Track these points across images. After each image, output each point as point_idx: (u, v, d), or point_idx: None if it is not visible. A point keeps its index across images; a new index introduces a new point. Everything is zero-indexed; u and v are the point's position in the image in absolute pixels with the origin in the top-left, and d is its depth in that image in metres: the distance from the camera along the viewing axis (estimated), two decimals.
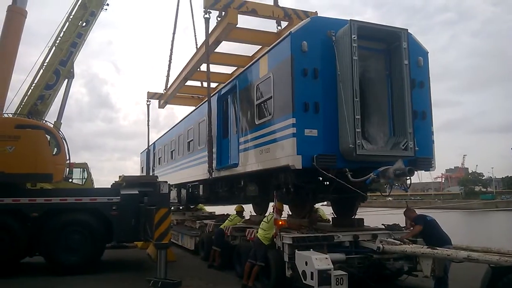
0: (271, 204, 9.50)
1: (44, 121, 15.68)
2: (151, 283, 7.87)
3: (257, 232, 8.97)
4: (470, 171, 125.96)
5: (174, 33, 20.75)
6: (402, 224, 9.11)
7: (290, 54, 8.33)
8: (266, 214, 9.08)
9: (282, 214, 9.20)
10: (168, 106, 23.53)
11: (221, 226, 11.38)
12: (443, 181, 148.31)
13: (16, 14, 12.02)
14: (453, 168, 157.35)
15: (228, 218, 11.58)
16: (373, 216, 15.18)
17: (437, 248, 6.99)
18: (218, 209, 17.95)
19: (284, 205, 9.51)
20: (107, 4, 20.30)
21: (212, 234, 12.00)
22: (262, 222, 8.95)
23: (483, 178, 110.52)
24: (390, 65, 8.97)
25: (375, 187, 10.18)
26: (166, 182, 9.02)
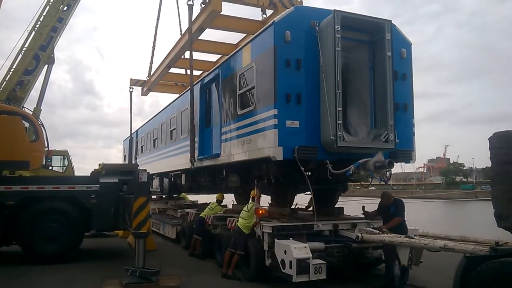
0: (252, 193, 9.48)
1: (22, 108, 15.35)
2: (129, 272, 7.80)
3: (237, 221, 8.97)
4: (451, 162, 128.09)
5: (158, 19, 20.43)
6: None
7: (273, 44, 8.23)
8: (247, 203, 9.03)
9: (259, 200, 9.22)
10: (153, 93, 23.32)
11: (201, 215, 11.36)
12: (425, 171, 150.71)
13: None
14: (435, 158, 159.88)
15: (208, 207, 11.57)
16: (355, 205, 15.37)
17: (415, 237, 7.10)
18: (201, 198, 17.90)
19: (263, 195, 9.53)
20: None
21: (193, 223, 11.97)
22: (242, 211, 8.95)
23: (464, 168, 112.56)
24: (374, 56, 8.95)
25: (356, 178, 10.27)
26: (145, 170, 8.91)
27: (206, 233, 11.04)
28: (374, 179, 8.95)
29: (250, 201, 9.10)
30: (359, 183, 10.98)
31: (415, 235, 8.01)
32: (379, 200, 8.94)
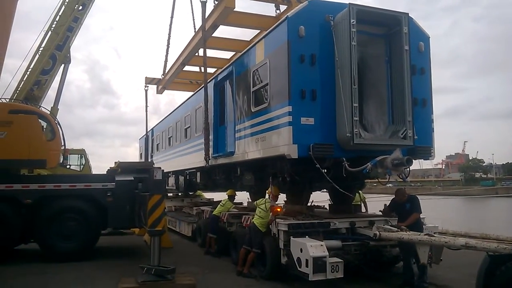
0: (268, 191, 9.40)
1: (39, 107, 15.52)
2: (144, 270, 7.79)
3: (253, 218, 8.88)
4: (470, 158, 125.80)
5: (172, 17, 20.43)
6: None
7: (286, 39, 8.11)
8: (261, 201, 8.93)
9: (277, 199, 9.10)
10: (169, 92, 23.38)
11: (214, 213, 11.32)
12: (443, 167, 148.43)
13: None
14: (453, 154, 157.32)
15: (220, 203, 11.54)
16: (372, 202, 15.15)
17: (434, 235, 6.91)
18: (217, 196, 17.89)
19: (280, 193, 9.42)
20: None
21: (207, 220, 11.95)
22: (259, 208, 8.82)
23: (484, 164, 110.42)
24: (390, 50, 8.74)
25: (373, 175, 10.09)
26: (160, 168, 8.90)
27: (221, 231, 10.99)
28: (392, 176, 8.80)
29: (266, 198, 9.00)
30: (377, 180, 10.76)
31: (434, 233, 7.83)
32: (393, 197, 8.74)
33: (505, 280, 4.62)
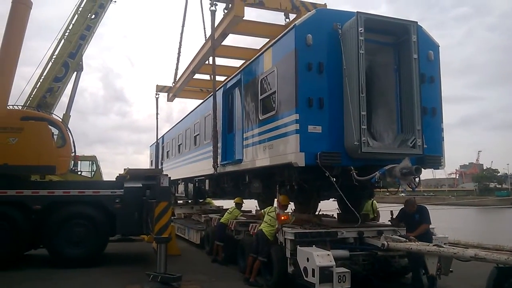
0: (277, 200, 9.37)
1: (51, 114, 15.74)
2: (150, 277, 7.80)
3: (260, 225, 8.84)
4: (485, 167, 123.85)
5: (183, 26, 20.57)
6: None
7: (294, 47, 8.11)
8: (271, 209, 8.89)
9: (287, 208, 9.05)
10: (181, 99, 23.54)
11: (221, 220, 11.31)
12: (457, 177, 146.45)
13: (21, 5, 11.97)
14: (467, 164, 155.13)
15: (228, 211, 11.53)
16: (383, 211, 14.98)
17: (444, 246, 6.80)
18: (227, 203, 17.88)
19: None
20: None
21: (216, 228, 11.93)
22: (269, 217, 8.77)
23: (498, 174, 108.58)
24: (399, 59, 8.70)
25: (384, 184, 9.98)
26: (167, 175, 8.92)
27: (228, 239, 10.95)
28: (401, 186, 8.69)
29: (276, 206, 8.95)
30: (386, 190, 10.64)
31: (444, 243, 7.70)
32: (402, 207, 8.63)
33: None
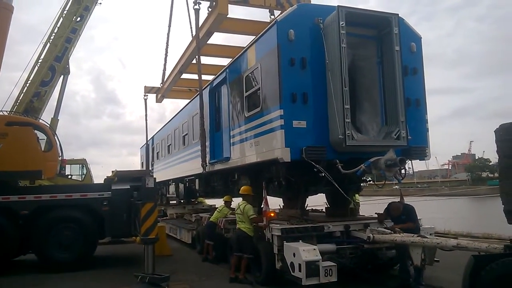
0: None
1: (38, 118, 15.62)
2: (139, 279, 7.78)
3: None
4: (477, 157, 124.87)
5: (169, 26, 20.42)
6: None
7: (276, 43, 8.10)
8: (238, 207, 9.04)
9: (251, 198, 9.31)
10: (174, 100, 23.40)
11: (211, 219, 11.33)
12: (450, 168, 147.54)
13: (3, 10, 11.86)
14: (459, 154, 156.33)
15: (217, 210, 11.55)
16: (374, 205, 15.05)
17: (427, 236, 6.84)
18: (219, 202, 17.86)
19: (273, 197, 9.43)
20: None
21: (205, 227, 11.93)
22: (237, 214, 8.93)
23: (491, 164, 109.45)
24: (381, 52, 8.72)
25: (371, 178, 10.02)
26: (152, 176, 8.90)
27: (218, 237, 10.95)
28: (387, 178, 8.74)
29: (239, 202, 9.10)
30: (374, 183, 10.67)
31: (430, 234, 7.75)
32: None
33: (490, 281, 4.54)
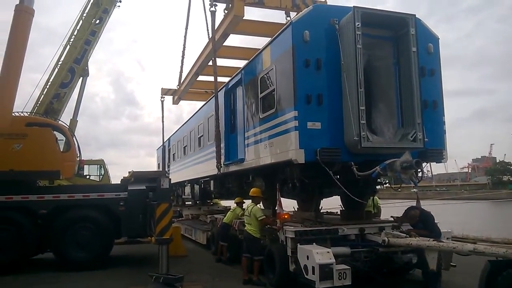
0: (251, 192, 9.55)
1: (58, 120, 15.91)
2: (153, 279, 7.83)
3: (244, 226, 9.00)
4: (498, 161, 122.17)
5: (186, 28, 20.57)
6: None
7: (291, 44, 8.08)
8: (247, 210, 9.09)
9: (260, 200, 9.52)
10: (191, 102, 23.56)
11: (224, 220, 11.38)
12: (469, 171, 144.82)
13: (24, 13, 12.11)
14: (480, 157, 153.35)
15: (230, 211, 11.63)
16: (391, 208, 14.87)
17: (443, 241, 6.71)
18: (234, 204, 17.90)
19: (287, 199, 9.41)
20: (120, 1, 20.47)
21: (219, 228, 11.97)
22: (245, 216, 8.98)
23: None
24: (398, 52, 8.60)
25: (386, 180, 9.88)
26: (167, 177, 8.97)
27: (231, 239, 10.97)
28: (403, 180, 8.61)
29: (248, 204, 9.14)
30: (400, 186, 10.49)
31: (447, 238, 7.60)
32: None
33: (506, 286, 4.42)
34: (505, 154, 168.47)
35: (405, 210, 8.27)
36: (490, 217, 38.61)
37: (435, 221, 8.00)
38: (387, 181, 9.96)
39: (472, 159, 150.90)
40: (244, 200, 11.72)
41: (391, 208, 14.49)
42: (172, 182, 10.81)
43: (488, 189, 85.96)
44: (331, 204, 11.21)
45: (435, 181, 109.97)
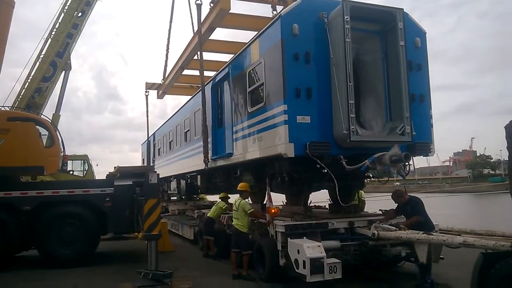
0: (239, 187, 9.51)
1: (40, 114, 15.57)
2: (142, 275, 7.75)
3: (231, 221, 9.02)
4: (478, 154, 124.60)
5: (171, 21, 20.28)
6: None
7: (280, 38, 8.02)
8: (235, 205, 9.08)
9: (248, 195, 9.49)
10: (175, 96, 23.32)
11: (208, 214, 11.37)
12: (451, 164, 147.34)
13: (4, 4, 11.79)
14: (461, 151, 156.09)
15: (214, 205, 11.64)
16: (376, 202, 14.99)
17: (433, 233, 6.77)
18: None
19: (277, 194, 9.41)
20: None
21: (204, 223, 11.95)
22: (233, 211, 8.97)
23: (492, 160, 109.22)
24: (386, 47, 8.63)
25: (375, 174, 9.93)
26: (155, 172, 8.85)
27: (218, 233, 10.95)
28: (391, 174, 8.67)
29: (236, 199, 9.12)
30: (378, 179, 10.59)
31: (435, 231, 7.67)
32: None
33: (499, 279, 4.48)
34: (485, 148, 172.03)
35: (394, 191, 8.28)
36: (471, 209, 39.39)
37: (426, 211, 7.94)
38: (374, 175, 10.03)
39: (454, 153, 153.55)
40: (230, 196, 11.68)
41: (376, 202, 14.61)
42: None
43: (469, 182, 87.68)
44: (316, 198, 11.22)
45: (418, 175, 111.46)
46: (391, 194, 8.54)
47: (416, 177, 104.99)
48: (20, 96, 18.59)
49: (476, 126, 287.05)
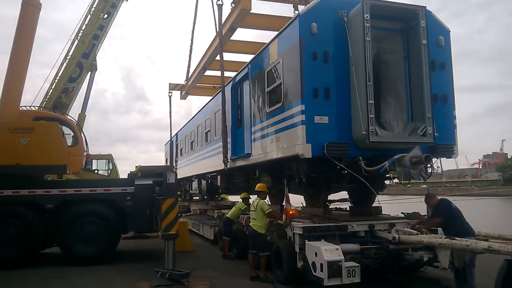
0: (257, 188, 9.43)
1: (66, 114, 15.92)
2: (159, 274, 7.78)
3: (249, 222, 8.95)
4: (509, 157, 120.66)
5: (194, 22, 20.43)
6: (423, 212, 8.60)
7: (298, 37, 7.94)
8: (253, 205, 9.01)
9: (266, 195, 9.45)
10: (200, 97, 23.46)
11: (227, 215, 11.38)
12: (480, 167, 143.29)
13: (31, 7, 12.08)
14: (491, 153, 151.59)
15: (234, 206, 11.66)
16: (399, 204, 14.68)
17: (456, 238, 6.52)
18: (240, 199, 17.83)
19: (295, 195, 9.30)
20: None
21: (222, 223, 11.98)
22: (251, 211, 8.89)
23: None
24: (408, 45, 8.41)
25: (395, 175, 9.71)
26: (174, 171, 8.90)
27: (237, 234, 10.94)
28: (413, 176, 8.43)
29: (254, 199, 9.06)
30: (409, 181, 10.25)
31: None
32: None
33: None
34: None
35: (425, 195, 7.95)
36: (501, 213, 38.14)
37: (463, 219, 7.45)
38: (396, 177, 9.81)
39: (483, 155, 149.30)
40: (251, 196, 11.63)
41: (400, 205, 14.30)
42: (179, 177, 10.75)
43: (499, 185, 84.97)
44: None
45: (446, 177, 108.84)
46: (415, 201, 8.30)
47: (444, 179, 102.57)
48: (48, 96, 19.02)
49: (508, 127, 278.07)
